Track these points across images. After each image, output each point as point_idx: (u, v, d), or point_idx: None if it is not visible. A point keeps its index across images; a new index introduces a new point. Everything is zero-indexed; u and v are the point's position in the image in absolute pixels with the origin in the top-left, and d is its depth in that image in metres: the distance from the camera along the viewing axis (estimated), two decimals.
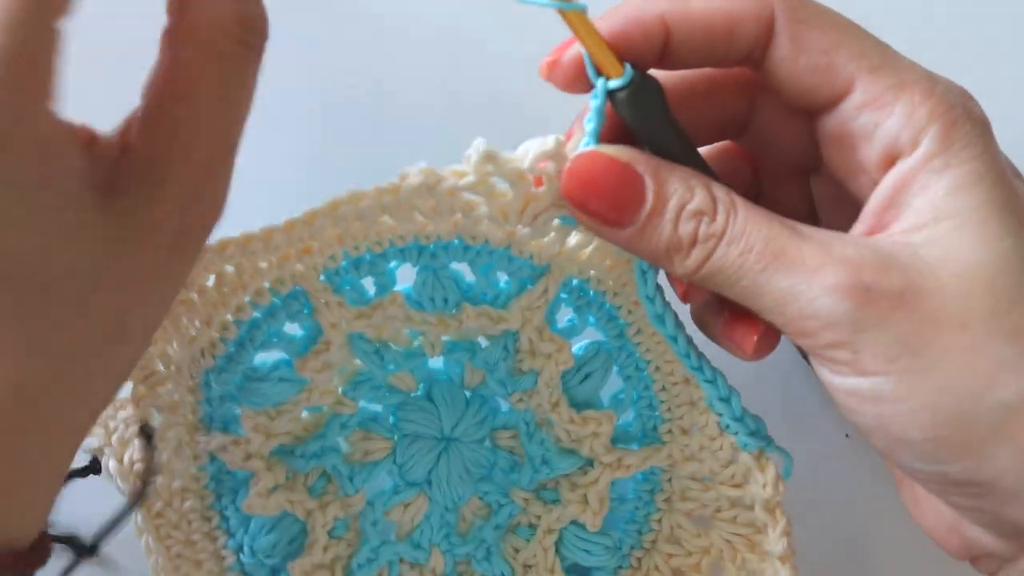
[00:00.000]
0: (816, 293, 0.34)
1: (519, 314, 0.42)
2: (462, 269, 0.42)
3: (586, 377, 0.45)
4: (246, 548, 0.45)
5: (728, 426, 0.43)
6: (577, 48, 0.37)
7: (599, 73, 0.36)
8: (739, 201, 0.36)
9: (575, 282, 0.43)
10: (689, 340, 0.42)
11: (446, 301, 0.41)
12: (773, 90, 0.38)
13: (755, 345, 0.39)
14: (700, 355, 0.42)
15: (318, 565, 0.46)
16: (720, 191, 0.36)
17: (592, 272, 0.42)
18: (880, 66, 0.35)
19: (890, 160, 0.35)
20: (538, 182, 0.37)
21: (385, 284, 0.41)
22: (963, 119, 0.35)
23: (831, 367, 0.35)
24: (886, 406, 0.34)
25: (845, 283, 0.33)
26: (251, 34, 0.32)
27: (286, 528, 0.46)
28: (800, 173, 0.43)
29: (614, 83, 0.36)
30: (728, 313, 0.39)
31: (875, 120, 0.35)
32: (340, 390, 0.44)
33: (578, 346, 0.45)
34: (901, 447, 0.35)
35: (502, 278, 0.42)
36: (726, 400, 0.42)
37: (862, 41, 0.36)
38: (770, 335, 0.38)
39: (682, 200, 0.36)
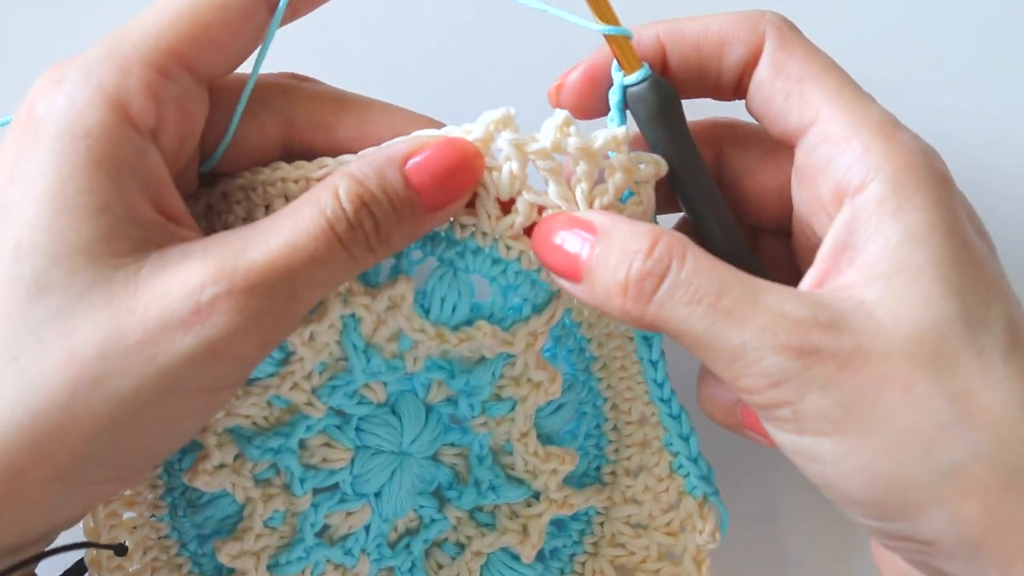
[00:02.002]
0: (765, 352, 0.34)
1: (524, 338, 0.42)
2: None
3: (557, 409, 0.46)
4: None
5: (681, 466, 0.45)
6: (578, 74, 0.41)
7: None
8: (692, 250, 0.36)
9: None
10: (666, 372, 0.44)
11: (454, 309, 0.42)
12: (754, 115, 0.41)
13: None
14: (672, 389, 0.44)
15: (246, 551, 0.44)
16: (671, 237, 0.36)
17: (575, 301, 0.44)
18: (847, 103, 0.38)
19: (840, 196, 0.37)
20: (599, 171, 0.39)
21: (399, 267, 0.41)
22: (920, 166, 0.35)
23: (775, 424, 0.35)
24: (826, 466, 0.34)
25: (794, 343, 0.33)
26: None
27: (222, 507, 0.45)
28: (779, 232, 0.44)
29: (630, 79, 0.39)
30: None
31: (832, 154, 0.37)
32: (314, 391, 0.43)
33: None
34: (845, 504, 0.35)
35: (515, 300, 0.43)
36: (686, 439, 0.44)
37: (838, 80, 0.38)
38: None
39: (625, 245, 0.36)
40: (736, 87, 0.41)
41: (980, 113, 0.52)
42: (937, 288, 0.34)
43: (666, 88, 0.39)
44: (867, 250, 0.35)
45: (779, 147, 0.41)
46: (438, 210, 0.38)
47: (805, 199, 0.40)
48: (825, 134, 0.37)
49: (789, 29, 0.40)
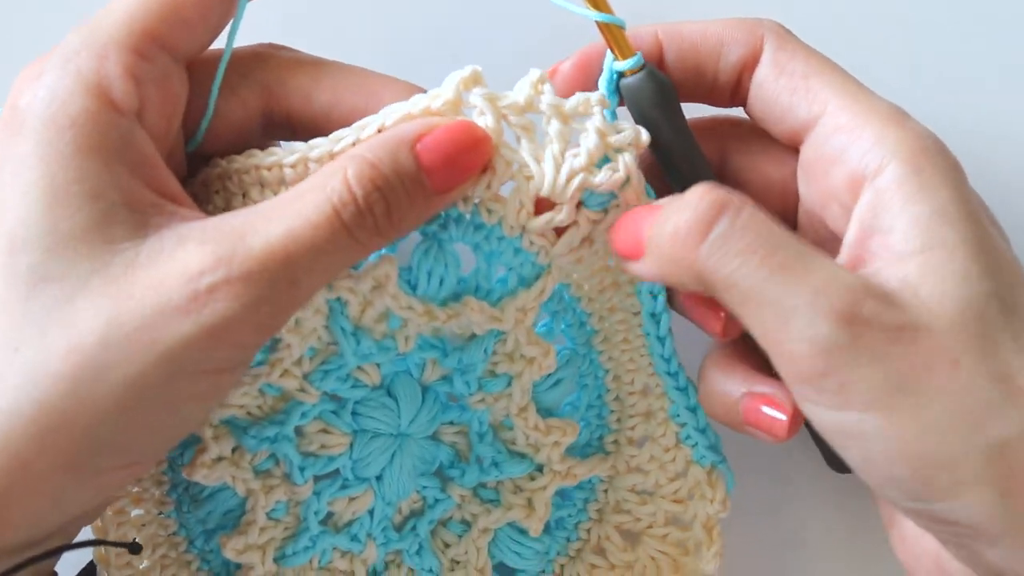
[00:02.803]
0: (816, 315, 0.33)
1: (512, 314, 0.41)
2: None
3: (556, 383, 0.45)
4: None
5: (689, 437, 0.45)
6: (571, 62, 0.40)
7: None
8: (750, 204, 0.35)
9: (558, 285, 0.44)
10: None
11: (441, 282, 0.41)
12: (756, 116, 0.41)
13: (788, 428, 0.39)
14: (679, 363, 0.44)
15: (251, 545, 0.44)
16: (728, 190, 0.35)
17: (575, 276, 0.43)
18: (854, 94, 0.38)
19: (856, 183, 0.37)
20: None
21: None
22: (933, 151, 0.36)
23: (818, 399, 0.34)
24: (871, 445, 0.33)
25: (847, 310, 0.33)
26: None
27: (223, 500, 0.44)
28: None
29: (621, 64, 0.39)
30: (752, 395, 0.40)
31: (845, 142, 0.37)
32: (306, 376, 0.42)
33: None
34: (888, 484, 0.34)
35: (500, 272, 0.42)
36: (693, 410, 0.44)
37: (842, 75, 0.39)
38: (799, 414, 0.38)
39: (679, 200, 0.36)
40: (734, 90, 0.41)
41: (983, 114, 0.51)
42: (974, 266, 0.34)
43: (662, 78, 0.39)
44: (896, 228, 0.35)
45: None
46: (446, 192, 0.37)
47: (815, 192, 0.39)
48: (836, 125, 0.37)
49: (786, 33, 0.40)
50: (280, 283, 0.34)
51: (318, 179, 0.35)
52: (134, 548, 0.41)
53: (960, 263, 0.34)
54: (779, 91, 0.39)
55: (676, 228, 0.35)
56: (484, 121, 0.37)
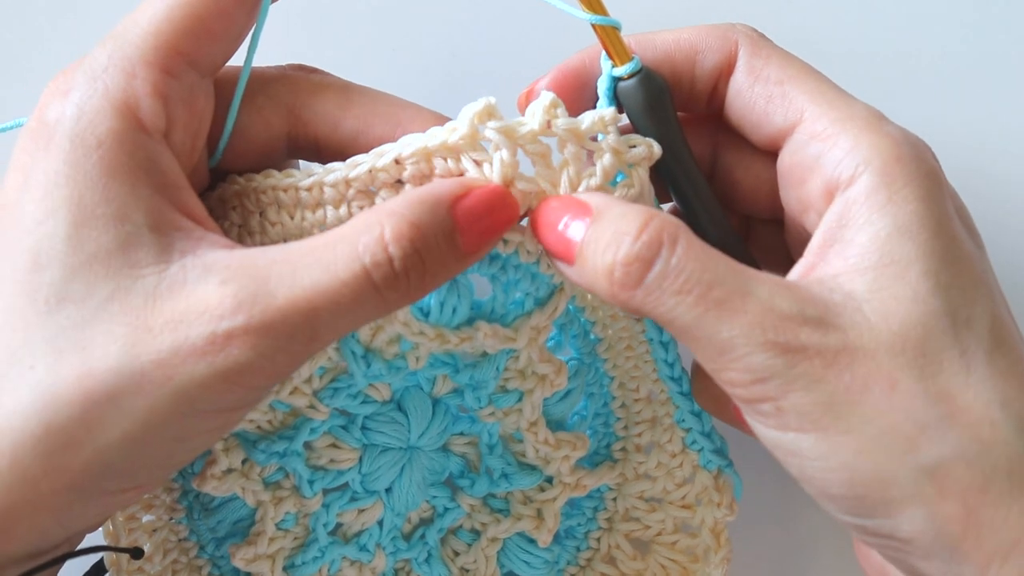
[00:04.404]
0: (752, 347, 0.33)
1: (527, 333, 0.41)
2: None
3: (565, 395, 0.45)
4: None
5: (695, 442, 0.45)
6: (548, 80, 0.41)
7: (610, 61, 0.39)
8: (684, 235, 0.35)
9: None
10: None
11: (454, 311, 0.41)
12: (734, 123, 0.40)
13: None
14: (683, 368, 0.44)
15: (260, 555, 0.44)
16: (664, 220, 0.35)
17: (578, 288, 0.44)
18: (831, 100, 0.37)
19: (830, 191, 0.36)
20: (590, 157, 0.38)
21: None
22: (909, 158, 0.35)
23: (758, 418, 0.35)
24: (806, 463, 0.34)
25: (781, 340, 0.33)
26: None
27: (233, 509, 0.44)
28: (773, 221, 0.44)
29: (619, 70, 0.39)
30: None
31: (820, 151, 0.37)
32: (315, 393, 0.42)
33: None
34: (824, 499, 0.35)
35: (516, 295, 0.42)
36: (698, 414, 0.44)
37: (818, 80, 0.38)
38: None
39: (616, 226, 0.35)
40: (710, 96, 0.41)
41: (972, 116, 0.52)
42: (924, 283, 0.34)
43: (659, 82, 0.39)
44: (856, 241, 0.35)
45: None
46: (475, 253, 0.36)
47: (794, 199, 0.39)
48: (812, 132, 0.37)
49: (760, 38, 0.40)
50: (299, 336, 0.33)
51: (350, 231, 0.34)
52: (136, 553, 0.41)
53: (911, 281, 0.34)
54: (755, 98, 0.39)
55: (612, 267, 0.35)
56: (500, 155, 0.37)
